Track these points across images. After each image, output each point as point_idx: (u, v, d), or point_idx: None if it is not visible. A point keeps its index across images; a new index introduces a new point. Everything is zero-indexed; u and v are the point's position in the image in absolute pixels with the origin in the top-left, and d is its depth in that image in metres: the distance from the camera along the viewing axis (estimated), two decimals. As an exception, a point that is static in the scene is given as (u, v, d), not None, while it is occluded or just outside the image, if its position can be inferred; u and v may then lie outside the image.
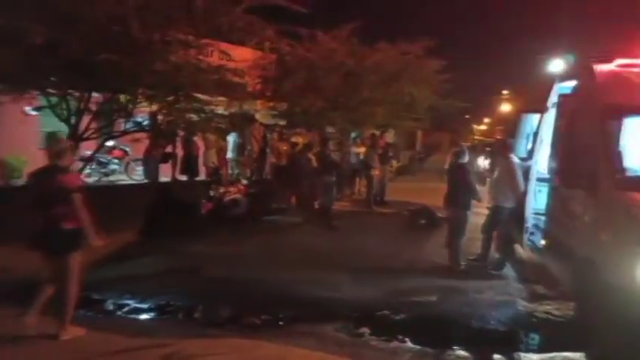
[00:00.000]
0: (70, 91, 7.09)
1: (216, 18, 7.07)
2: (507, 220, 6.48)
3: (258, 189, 10.08)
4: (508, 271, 6.56)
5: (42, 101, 7.67)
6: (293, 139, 12.68)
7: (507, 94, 31.51)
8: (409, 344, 4.37)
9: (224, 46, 8.48)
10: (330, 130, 13.37)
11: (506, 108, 28.00)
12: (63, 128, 8.15)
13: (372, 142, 12.16)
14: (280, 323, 4.76)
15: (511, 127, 8.41)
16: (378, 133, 13.31)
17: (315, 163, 9.83)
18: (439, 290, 5.65)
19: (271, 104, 12.72)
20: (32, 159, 9.95)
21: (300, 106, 12.19)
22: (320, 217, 9.28)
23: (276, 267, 6.31)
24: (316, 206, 9.68)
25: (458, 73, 15.01)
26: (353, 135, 14.78)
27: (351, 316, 4.84)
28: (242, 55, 10.02)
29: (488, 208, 6.98)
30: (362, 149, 13.10)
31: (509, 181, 6.32)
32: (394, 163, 16.22)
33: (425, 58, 13.23)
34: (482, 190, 7.31)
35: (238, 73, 8.88)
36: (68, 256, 4.03)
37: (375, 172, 11.65)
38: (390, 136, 16.64)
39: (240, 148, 12.64)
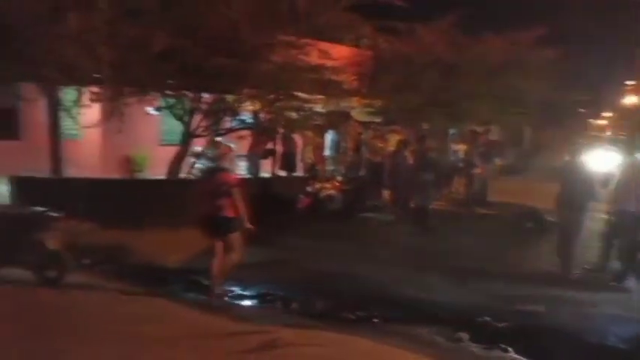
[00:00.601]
0: (184, 92, 7.78)
1: (317, 18, 7.26)
2: (632, 227, 5.78)
3: (353, 186, 10.16)
4: (631, 283, 5.86)
5: (161, 102, 8.52)
6: (388, 137, 12.55)
7: (633, 85, 27.97)
8: (512, 355, 4.11)
9: (323, 45, 8.68)
10: (427, 126, 13.01)
11: (631, 100, 24.86)
12: (179, 127, 9.00)
13: (472, 139, 11.59)
14: (375, 321, 4.76)
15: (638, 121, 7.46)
16: (479, 129, 12.64)
17: (411, 161, 9.64)
18: (548, 300, 5.23)
19: (367, 101, 12.72)
20: (152, 155, 11.13)
21: (396, 102, 12.03)
22: (416, 216, 9.09)
23: (370, 264, 6.32)
24: (412, 205, 9.49)
25: (573, 63, 13.66)
26: (452, 132, 14.22)
27: (448, 320, 4.68)
28: (339, 52, 10.17)
29: (609, 212, 6.29)
30: (462, 147, 12.55)
31: (635, 183, 5.64)
32: (498, 161, 15.32)
33: (537, 47, 12.25)
34: (602, 193, 6.60)
35: (336, 71, 9.04)
36: (229, 237, 4.93)
37: (477, 171, 11.09)
38: (493, 133, 15.71)
39: (336, 145, 12.83)
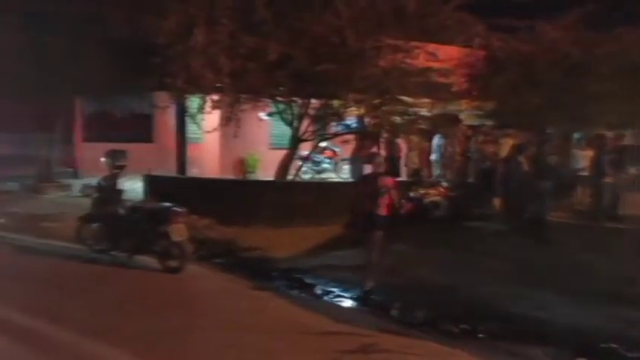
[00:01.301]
0: (294, 98, 8.13)
1: (426, 19, 7.10)
2: None
3: (460, 192, 9.69)
4: None
5: (273, 108, 9.01)
6: (501, 141, 11.73)
7: None
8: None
9: (431, 46, 8.45)
10: (547, 130, 11.90)
11: None
12: (287, 131, 9.45)
13: (599, 144, 10.33)
14: (480, 336, 4.49)
15: None
16: (610, 134, 11.21)
17: (526, 167, 8.90)
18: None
19: (477, 103, 12.05)
20: (263, 157, 11.82)
21: (511, 104, 11.20)
22: (530, 227, 8.37)
23: (477, 275, 5.97)
24: (526, 215, 8.76)
25: None
26: (577, 136, 12.83)
27: (565, 342, 4.24)
28: (448, 54, 9.79)
29: None
30: (588, 153, 11.23)
31: None
32: (632, 170, 13.43)
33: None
34: None
35: (444, 73, 8.74)
36: (377, 234, 5.45)
37: (606, 180, 9.86)
38: (628, 138, 13.82)
39: (443, 149, 12.36)
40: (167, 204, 6.06)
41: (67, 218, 7.84)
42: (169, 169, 10.36)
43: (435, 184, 10.31)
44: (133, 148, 7.46)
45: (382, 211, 5.46)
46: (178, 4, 6.02)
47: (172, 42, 6.18)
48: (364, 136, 9.64)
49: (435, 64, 8.39)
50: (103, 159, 6.28)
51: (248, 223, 7.44)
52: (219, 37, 6.18)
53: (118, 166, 6.29)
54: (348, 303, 5.36)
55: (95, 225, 6.38)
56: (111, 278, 5.61)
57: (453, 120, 11.07)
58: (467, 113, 12.18)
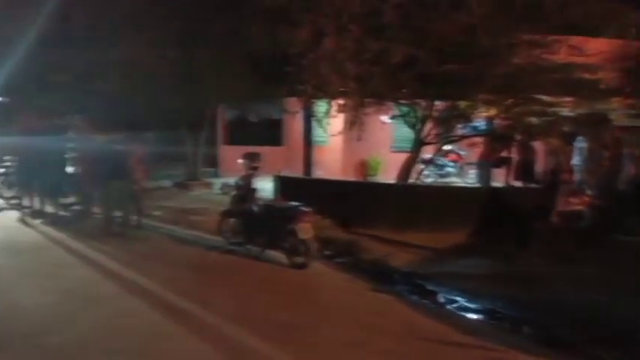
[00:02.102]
0: (418, 100, 8.01)
1: (569, 10, 6.45)
2: None
3: (609, 202, 8.54)
4: None
5: (396, 111, 8.99)
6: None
7: None
8: None
9: (575, 40, 7.63)
10: None
11: None
12: (409, 134, 9.34)
13: None
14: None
15: None
16: None
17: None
18: None
19: (631, 102, 10.53)
20: (385, 160, 11.85)
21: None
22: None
23: (627, 296, 5.23)
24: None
25: None
26: None
27: None
28: (596, 47, 8.73)
29: None
30: None
31: None
32: None
33: None
34: None
35: (590, 69, 7.82)
36: None
37: None
38: None
39: (588, 153, 11.03)
40: (295, 203, 6.44)
41: (209, 213, 8.79)
42: (296, 171, 10.98)
43: (577, 192, 9.26)
44: (264, 151, 8.06)
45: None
46: (310, 15, 6.36)
47: (304, 51, 6.55)
48: (494, 138, 9.08)
49: (580, 59, 7.56)
50: (240, 160, 6.91)
51: (369, 224, 7.54)
52: (346, 44, 6.39)
53: (253, 167, 6.86)
54: (475, 315, 5.11)
55: (233, 220, 7.05)
56: (246, 269, 6.15)
57: (601, 120, 9.82)
58: (618, 113, 10.74)
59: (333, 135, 9.42)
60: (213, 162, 14.24)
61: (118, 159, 7.59)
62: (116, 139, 7.75)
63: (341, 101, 7.62)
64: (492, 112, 8.02)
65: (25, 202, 8.69)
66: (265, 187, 9.07)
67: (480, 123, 9.13)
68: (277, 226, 6.30)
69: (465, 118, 8.15)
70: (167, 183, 12.47)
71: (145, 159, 8.53)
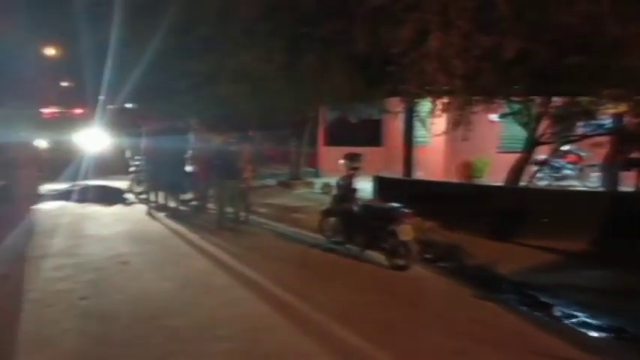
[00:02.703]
0: (532, 97, 7.43)
1: None
2: None
3: None
4: None
5: (506, 109, 8.43)
6: None
7: None
8: None
9: None
10: None
11: None
12: (520, 133, 8.70)
13: None
14: None
15: None
16: None
17: None
18: None
19: None
20: (492, 161, 11.19)
21: None
22: None
23: None
24: None
25: None
26: None
27: None
28: None
29: None
30: None
31: None
32: None
33: None
34: None
35: None
36: None
37: None
38: None
39: None
40: (396, 204, 6.37)
41: (310, 211, 9.06)
42: (396, 171, 10.84)
43: None
44: (363, 151, 8.08)
45: None
46: (414, 12, 6.23)
47: (407, 49, 6.44)
48: (622, 138, 8.08)
49: None
50: (341, 161, 7.01)
51: (473, 229, 7.18)
52: (453, 40, 6.14)
53: (354, 167, 6.93)
54: (597, 332, 4.61)
55: (333, 219, 7.19)
56: (347, 268, 6.23)
57: None
58: None
59: (437, 135, 9.11)
60: (314, 162, 14.65)
61: (229, 159, 8.17)
62: (228, 140, 8.34)
63: (446, 100, 7.35)
64: (621, 108, 7.13)
65: (152, 197, 9.73)
66: (365, 187, 9.11)
67: (605, 121, 8.19)
68: (378, 226, 6.28)
69: (588, 115, 7.35)
70: (271, 182, 13.11)
71: (253, 159, 9.07)
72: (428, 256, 6.62)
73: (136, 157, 10.88)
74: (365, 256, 6.52)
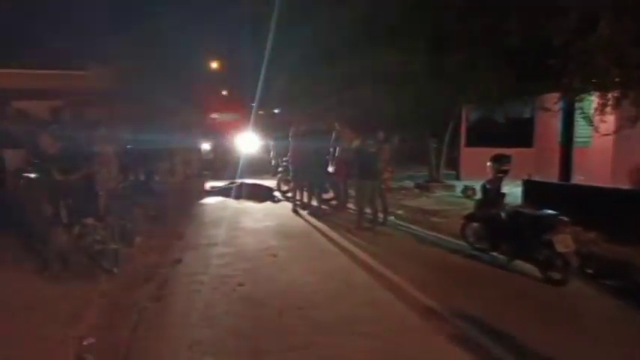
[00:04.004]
0: None
1: None
2: None
3: None
4: None
5: None
6: None
7: None
8: None
9: None
10: None
11: None
12: None
13: None
14: None
15: None
16: None
17: None
18: None
19: None
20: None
21: None
22: None
23: None
24: None
25: None
26: None
27: None
28: None
29: None
30: None
31: None
32: None
33: None
34: None
35: None
36: None
37: None
38: None
39: None
40: (552, 212, 5.77)
41: (450, 215, 8.74)
42: (549, 175, 9.81)
43: None
44: (511, 152, 7.50)
45: None
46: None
47: (571, 40, 5.78)
48: None
49: None
50: (488, 163, 6.60)
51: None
52: (627, 26, 5.32)
53: (502, 170, 6.46)
54: None
55: (477, 225, 6.81)
56: (493, 278, 5.84)
57: None
58: None
59: (605, 134, 7.98)
60: (453, 164, 14.06)
61: (369, 160, 8.30)
62: (367, 141, 8.48)
63: (616, 94, 6.40)
64: None
65: (297, 195, 10.41)
66: (512, 191, 8.45)
67: None
68: (530, 235, 5.76)
69: None
70: (409, 184, 12.96)
71: (391, 160, 9.06)
72: (589, 271, 5.86)
73: (284, 159, 11.72)
74: (513, 266, 6.05)
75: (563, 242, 5.40)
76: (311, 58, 9.77)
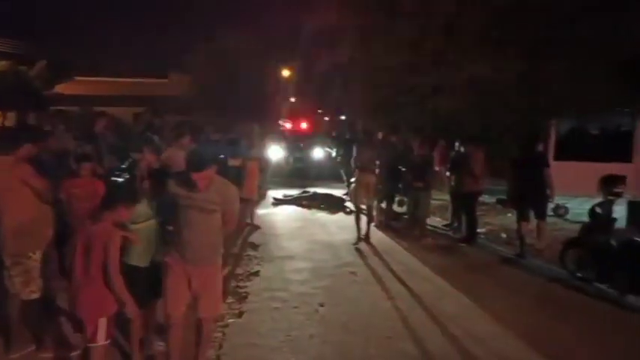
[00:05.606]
0: None
1: None
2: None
3: None
4: None
5: None
6: None
7: None
8: None
9: None
10: None
11: None
12: None
13: None
14: None
15: None
16: None
17: None
18: None
19: None
20: None
21: None
22: None
23: None
24: None
25: None
26: None
27: None
28: None
29: None
30: None
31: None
32: None
33: None
34: None
35: None
36: None
37: None
38: None
39: None
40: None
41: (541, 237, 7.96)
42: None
43: None
44: (607, 168, 6.73)
45: None
46: None
47: None
48: None
49: None
50: (599, 184, 5.89)
51: None
52: None
53: (615, 192, 5.75)
54: None
55: (579, 251, 6.12)
56: (603, 314, 5.16)
57: None
58: None
59: None
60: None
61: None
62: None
63: None
64: None
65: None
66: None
67: None
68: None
69: None
70: (489, 199, 12.13)
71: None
72: None
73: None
74: (626, 301, 5.32)
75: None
76: (393, 67, 9.40)
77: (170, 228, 3.55)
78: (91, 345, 3.12)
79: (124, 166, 5.53)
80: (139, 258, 3.54)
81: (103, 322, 3.11)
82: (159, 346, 3.86)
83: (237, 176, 7.01)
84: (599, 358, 4.22)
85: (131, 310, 3.26)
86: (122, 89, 19.05)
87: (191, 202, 3.36)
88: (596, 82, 6.84)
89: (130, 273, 3.34)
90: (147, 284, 3.53)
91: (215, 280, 3.59)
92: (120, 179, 4.95)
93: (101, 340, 3.11)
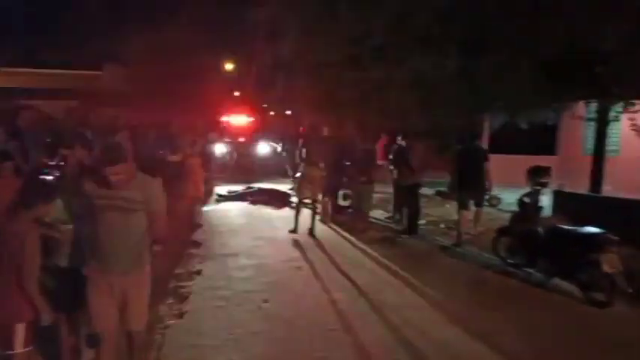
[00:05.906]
0: None
1: None
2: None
3: None
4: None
5: None
6: None
7: None
8: None
9: None
10: None
11: None
12: None
13: None
14: None
15: None
16: None
17: None
18: None
19: None
20: None
21: None
22: None
23: None
24: None
25: None
26: None
27: None
28: None
29: None
30: None
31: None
32: None
33: None
34: None
35: None
36: None
37: None
38: None
39: None
40: (597, 229, 5.44)
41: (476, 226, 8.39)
42: (572, 184, 9.44)
43: None
44: (533, 161, 7.24)
45: None
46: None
47: (624, 46, 5.45)
48: None
49: None
50: (526, 175, 6.26)
51: None
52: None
53: (541, 182, 6.14)
54: None
55: (510, 239, 6.50)
56: (532, 297, 5.54)
57: None
58: None
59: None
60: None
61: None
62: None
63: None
64: None
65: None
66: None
67: None
68: (572, 253, 5.43)
69: None
70: (429, 191, 12.57)
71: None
72: (630, 290, 5.52)
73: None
74: (551, 284, 5.73)
75: (611, 262, 5.08)
76: (333, 62, 9.46)
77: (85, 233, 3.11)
78: (9, 352, 2.88)
79: (52, 163, 5.16)
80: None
81: (20, 328, 2.87)
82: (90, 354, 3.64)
83: (176, 172, 6.80)
84: (526, 334, 4.51)
85: (47, 317, 2.93)
86: (52, 82, 17.86)
87: (108, 202, 2.93)
88: (522, 80, 7.29)
89: (60, 275, 3.13)
90: (80, 287, 3.32)
91: (141, 289, 3.21)
92: (48, 177, 4.60)
93: (19, 347, 2.87)
